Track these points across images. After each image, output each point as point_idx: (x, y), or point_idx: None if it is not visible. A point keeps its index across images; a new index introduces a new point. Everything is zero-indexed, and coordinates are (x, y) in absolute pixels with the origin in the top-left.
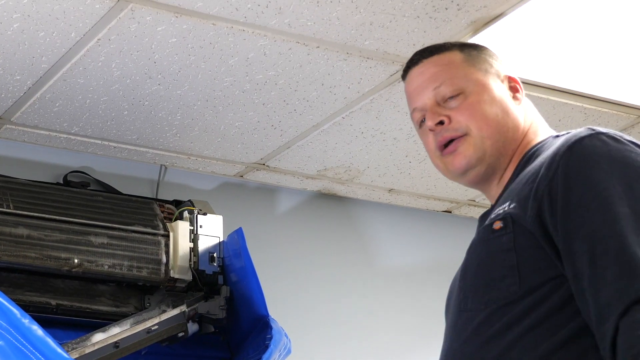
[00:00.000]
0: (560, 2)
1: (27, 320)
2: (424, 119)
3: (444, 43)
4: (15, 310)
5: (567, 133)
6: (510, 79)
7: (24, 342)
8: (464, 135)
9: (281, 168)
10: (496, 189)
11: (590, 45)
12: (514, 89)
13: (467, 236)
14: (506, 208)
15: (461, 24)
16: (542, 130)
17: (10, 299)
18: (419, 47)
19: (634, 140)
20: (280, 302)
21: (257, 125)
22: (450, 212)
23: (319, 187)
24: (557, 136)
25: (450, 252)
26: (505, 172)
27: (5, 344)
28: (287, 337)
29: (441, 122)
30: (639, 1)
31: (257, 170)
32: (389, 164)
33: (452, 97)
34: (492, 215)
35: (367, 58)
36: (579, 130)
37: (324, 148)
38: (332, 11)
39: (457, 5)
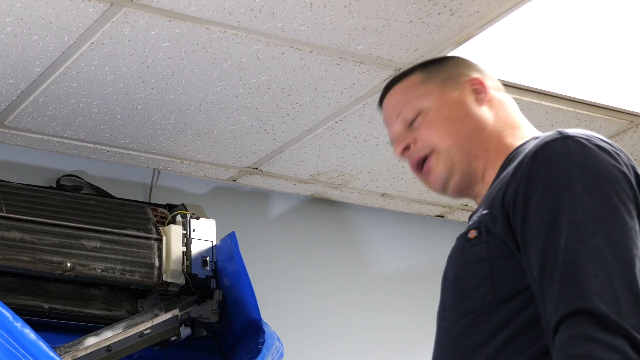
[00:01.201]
0: (553, 8)
1: (19, 324)
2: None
3: (409, 68)
4: (8, 314)
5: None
6: (472, 81)
7: (17, 345)
8: (432, 152)
9: (274, 172)
10: (481, 188)
11: (583, 50)
12: (477, 91)
13: None
14: (480, 215)
15: (454, 29)
16: (526, 131)
17: (3, 302)
18: (412, 52)
19: (601, 144)
20: (273, 306)
21: (250, 130)
22: (443, 216)
23: (312, 191)
24: (537, 138)
25: (442, 257)
26: (487, 172)
27: None
28: (279, 341)
29: (407, 147)
30: (631, 7)
31: (250, 174)
32: (381, 169)
33: (413, 120)
34: (470, 222)
35: (360, 63)
36: (548, 134)
37: (317, 152)
38: (325, 16)
39: (450, 10)
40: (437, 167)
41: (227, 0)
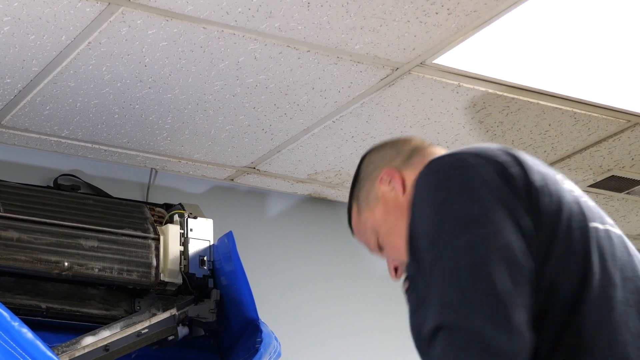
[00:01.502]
0: (551, 7)
1: (17, 324)
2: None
3: (348, 204)
4: (5, 314)
5: None
6: (382, 180)
7: (14, 345)
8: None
9: (272, 172)
10: None
11: (581, 50)
12: (391, 185)
13: None
14: (405, 265)
15: (451, 28)
16: None
17: (0, 302)
18: (409, 52)
19: (464, 158)
20: (271, 306)
21: (248, 129)
22: None
23: (310, 191)
24: None
25: None
26: None
27: None
28: (277, 341)
29: (395, 270)
30: (629, 6)
31: (247, 174)
32: None
33: (380, 250)
34: None
35: (358, 62)
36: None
37: (315, 152)
38: (322, 15)
39: (448, 9)
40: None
41: (225, 0)
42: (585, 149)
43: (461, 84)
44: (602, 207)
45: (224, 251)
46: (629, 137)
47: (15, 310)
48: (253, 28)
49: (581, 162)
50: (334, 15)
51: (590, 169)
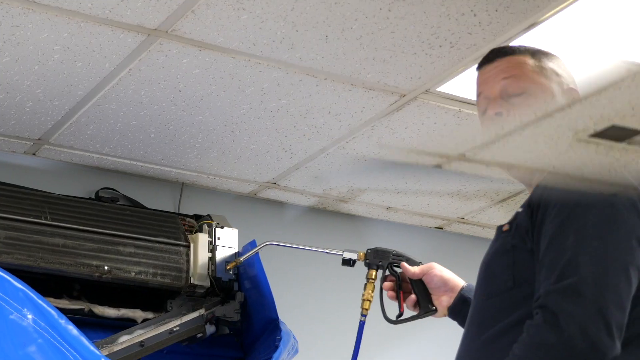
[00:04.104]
0: (542, 40)
1: (63, 321)
2: (487, 107)
3: (518, 46)
4: (53, 312)
5: None
6: (572, 91)
7: (61, 340)
8: None
9: (290, 187)
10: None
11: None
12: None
13: (456, 251)
14: (518, 211)
15: (453, 59)
16: None
17: (49, 302)
18: (416, 80)
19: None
20: (289, 307)
21: (270, 148)
22: (442, 228)
23: (324, 204)
24: None
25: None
26: None
27: (44, 342)
28: (294, 339)
29: (499, 114)
30: None
31: (269, 188)
32: (387, 184)
33: (516, 95)
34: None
35: (370, 89)
36: None
37: (329, 169)
38: (338, 47)
39: (450, 43)
40: None
41: (252, 32)
42: (585, 98)
43: (461, 109)
44: (602, 158)
45: (248, 258)
46: (629, 87)
47: (60, 310)
48: (277, 58)
49: (581, 112)
50: (349, 47)
51: (591, 118)
